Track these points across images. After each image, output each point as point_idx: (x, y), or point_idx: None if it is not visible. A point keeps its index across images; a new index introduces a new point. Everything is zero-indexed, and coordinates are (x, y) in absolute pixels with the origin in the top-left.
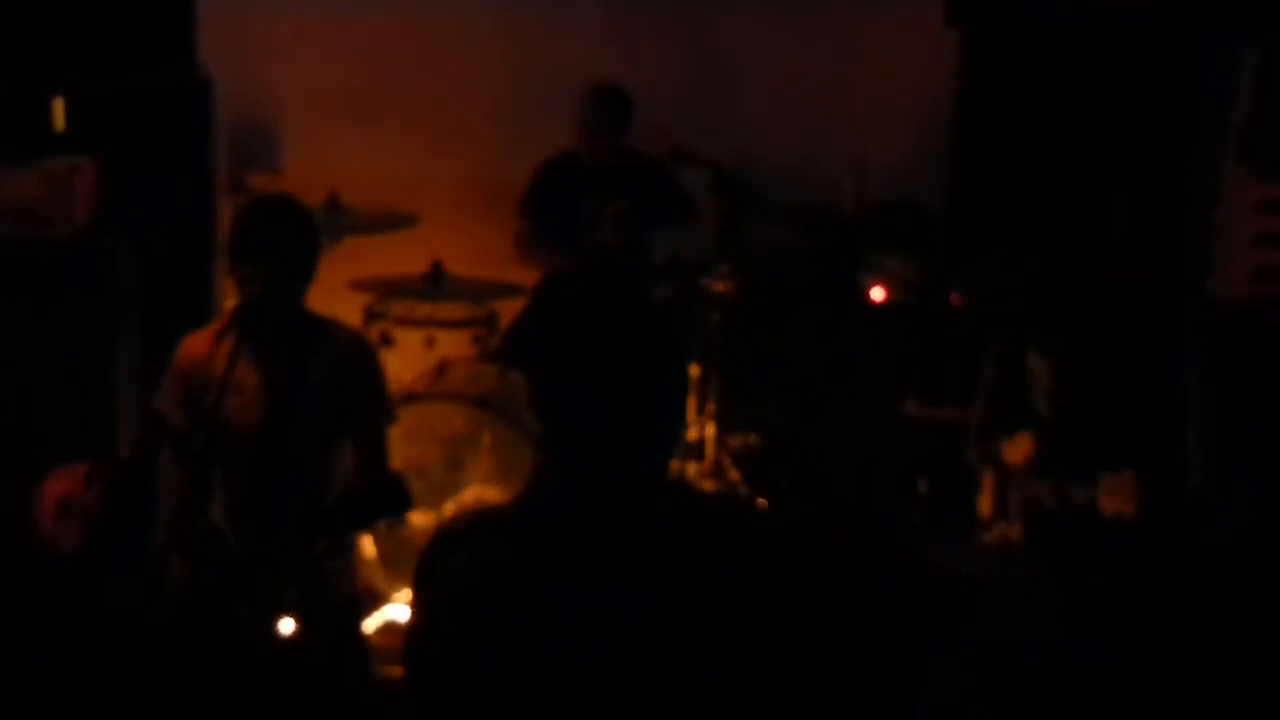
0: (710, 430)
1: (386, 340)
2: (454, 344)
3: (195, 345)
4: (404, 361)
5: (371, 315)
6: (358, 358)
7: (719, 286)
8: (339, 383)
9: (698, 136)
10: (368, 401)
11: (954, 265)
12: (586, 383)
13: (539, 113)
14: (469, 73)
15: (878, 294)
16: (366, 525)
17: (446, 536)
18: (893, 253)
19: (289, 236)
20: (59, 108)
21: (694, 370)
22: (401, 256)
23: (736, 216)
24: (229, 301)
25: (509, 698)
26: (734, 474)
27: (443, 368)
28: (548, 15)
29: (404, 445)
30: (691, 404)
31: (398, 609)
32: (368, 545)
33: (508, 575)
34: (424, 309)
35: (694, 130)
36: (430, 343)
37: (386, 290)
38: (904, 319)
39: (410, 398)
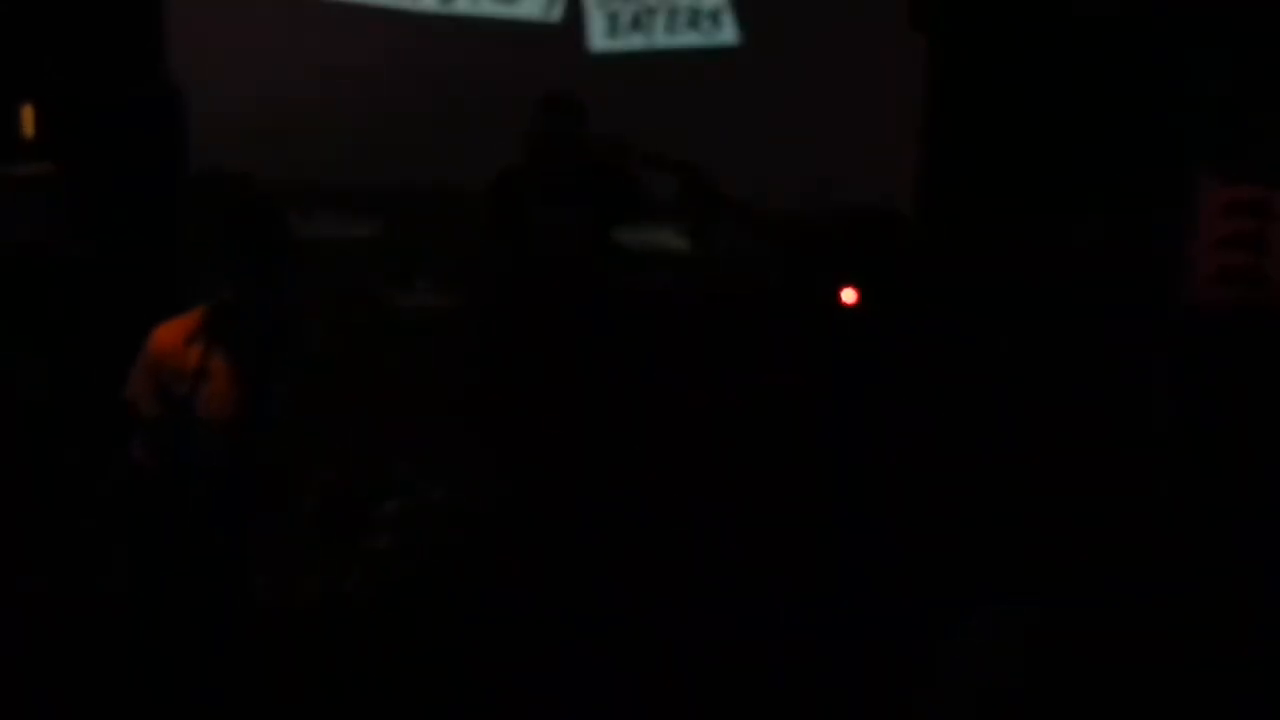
0: None
1: None
2: None
3: (167, 336)
4: None
5: None
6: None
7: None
8: (310, 376)
9: (666, 143)
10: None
11: (923, 268)
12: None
13: (504, 120)
14: (442, 75)
15: (849, 296)
16: None
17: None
18: (863, 258)
19: (261, 236)
20: (28, 115)
21: None
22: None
23: (705, 221)
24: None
25: None
26: None
27: None
28: (506, 24)
29: None
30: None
31: None
32: None
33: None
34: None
35: (662, 137)
36: None
37: None
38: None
39: None
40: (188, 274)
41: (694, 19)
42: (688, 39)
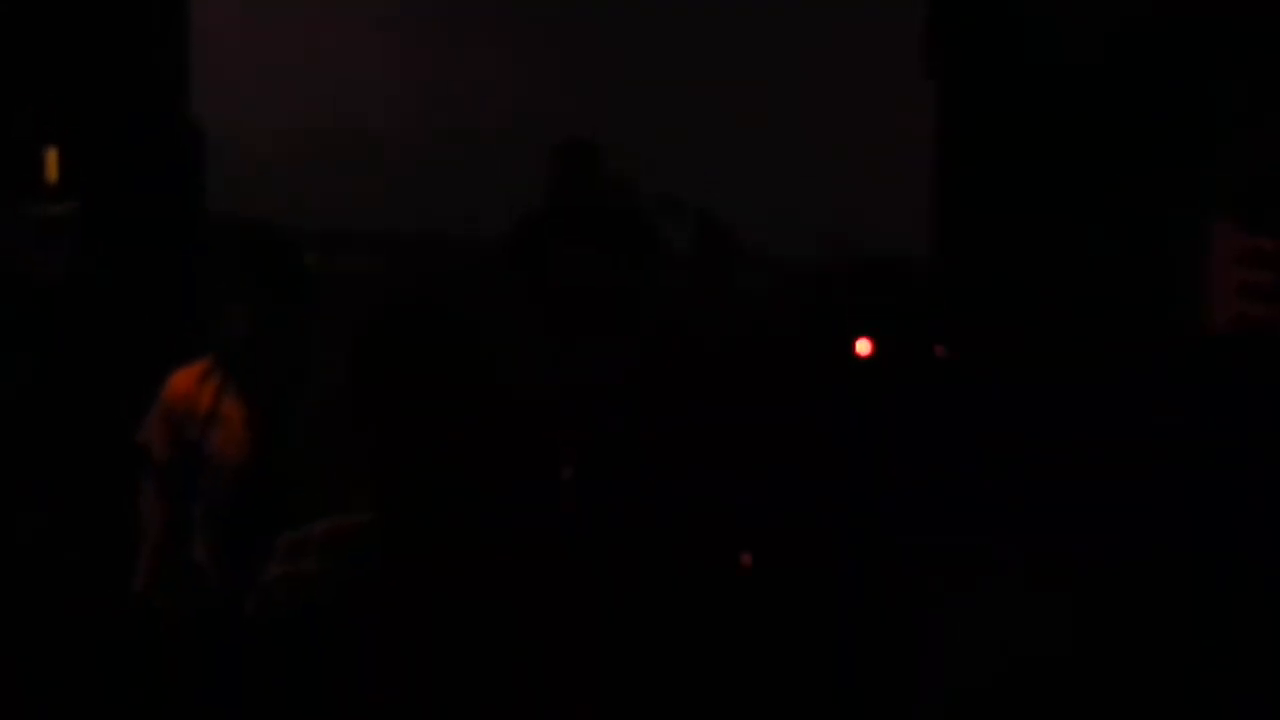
0: None
1: None
2: None
3: (182, 380)
4: None
5: None
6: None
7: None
8: (324, 420)
9: (681, 189)
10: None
11: (939, 316)
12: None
13: (521, 162)
14: (463, 125)
15: (863, 347)
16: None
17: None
18: (877, 306)
19: (280, 277)
20: (52, 158)
21: None
22: None
23: (720, 264)
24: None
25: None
26: None
27: None
28: (527, 68)
29: None
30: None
31: None
32: None
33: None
34: None
35: (678, 183)
36: None
37: None
38: (890, 371)
39: None
40: (207, 316)
41: None
42: None
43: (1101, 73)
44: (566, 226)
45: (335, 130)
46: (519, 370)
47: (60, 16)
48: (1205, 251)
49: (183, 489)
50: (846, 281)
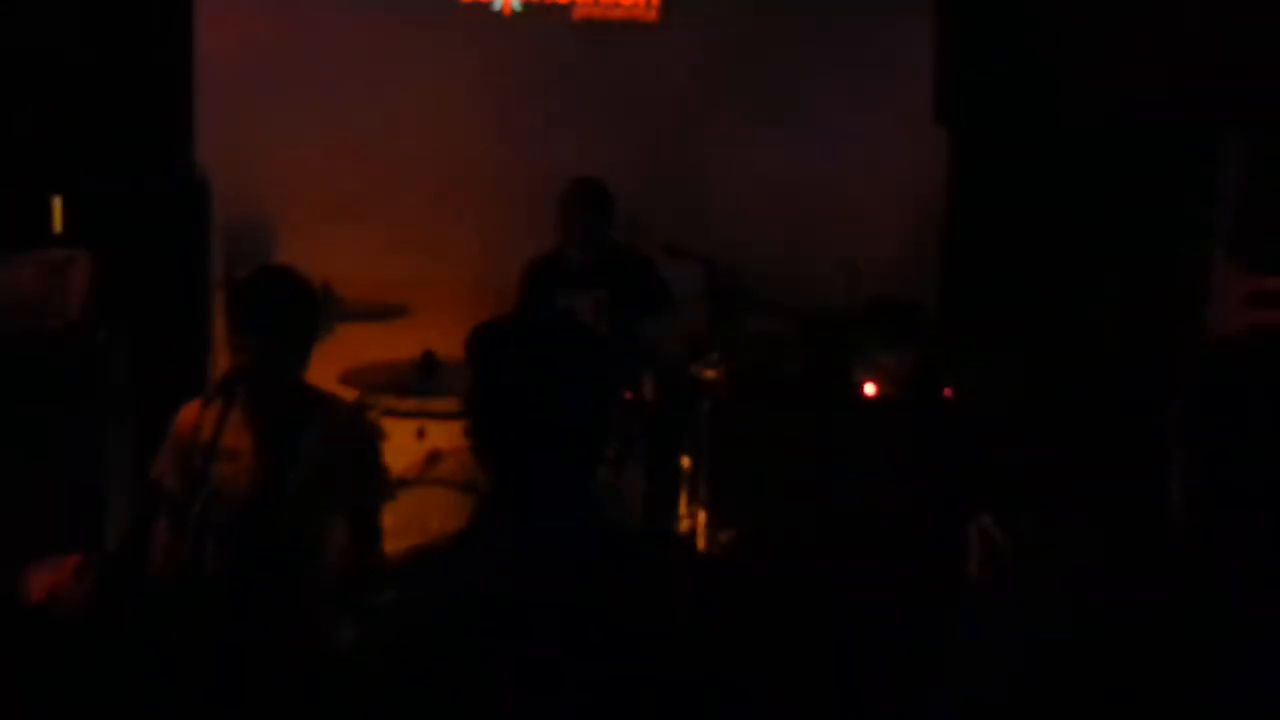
0: (701, 521)
1: (376, 433)
2: (445, 436)
3: (190, 412)
4: (394, 453)
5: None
6: (353, 433)
7: (708, 374)
8: (332, 456)
9: (690, 235)
10: (361, 477)
11: (947, 360)
12: (511, 422)
13: (529, 212)
14: (464, 171)
15: (870, 389)
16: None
17: (379, 576)
18: (885, 348)
19: (288, 309)
20: (58, 209)
21: (685, 462)
22: (392, 350)
23: (729, 312)
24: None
25: None
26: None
27: (433, 457)
28: (539, 116)
29: (393, 538)
30: (683, 496)
31: None
32: None
33: (430, 609)
34: (413, 402)
35: (686, 229)
36: (421, 434)
37: (377, 378)
38: (897, 414)
39: (400, 483)
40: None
41: None
42: None
43: (1103, 121)
44: (572, 270)
45: (347, 181)
46: None
47: (66, 66)
48: (1212, 294)
49: (196, 521)
50: (854, 324)
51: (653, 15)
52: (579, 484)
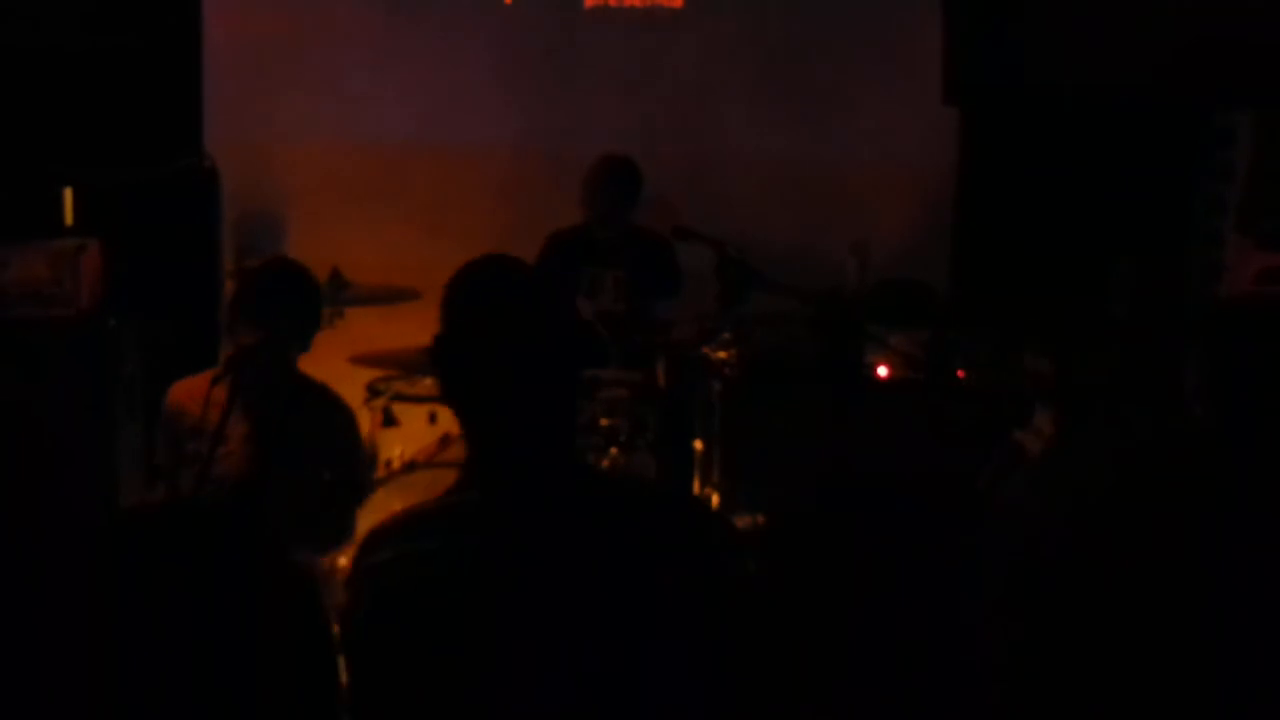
0: (714, 504)
1: (390, 420)
2: (456, 420)
3: (184, 390)
4: (407, 438)
5: (373, 392)
6: (339, 423)
7: (720, 355)
8: (320, 444)
9: (701, 218)
10: (345, 467)
11: (959, 341)
12: (490, 373)
13: (542, 195)
14: (472, 157)
15: (882, 371)
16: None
17: (375, 534)
18: (897, 330)
19: (290, 304)
20: (68, 199)
21: (697, 445)
22: (403, 335)
23: (740, 293)
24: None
25: (433, 686)
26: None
27: (445, 440)
28: (552, 99)
29: None
30: (695, 479)
31: None
32: None
33: (429, 564)
34: (426, 385)
35: (697, 212)
36: (433, 419)
37: (387, 365)
38: (909, 395)
39: (411, 466)
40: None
41: None
42: None
43: (1114, 101)
44: (594, 245)
45: (357, 168)
46: None
47: (74, 57)
48: (1224, 271)
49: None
50: (866, 306)
51: (678, 1)
52: (562, 429)
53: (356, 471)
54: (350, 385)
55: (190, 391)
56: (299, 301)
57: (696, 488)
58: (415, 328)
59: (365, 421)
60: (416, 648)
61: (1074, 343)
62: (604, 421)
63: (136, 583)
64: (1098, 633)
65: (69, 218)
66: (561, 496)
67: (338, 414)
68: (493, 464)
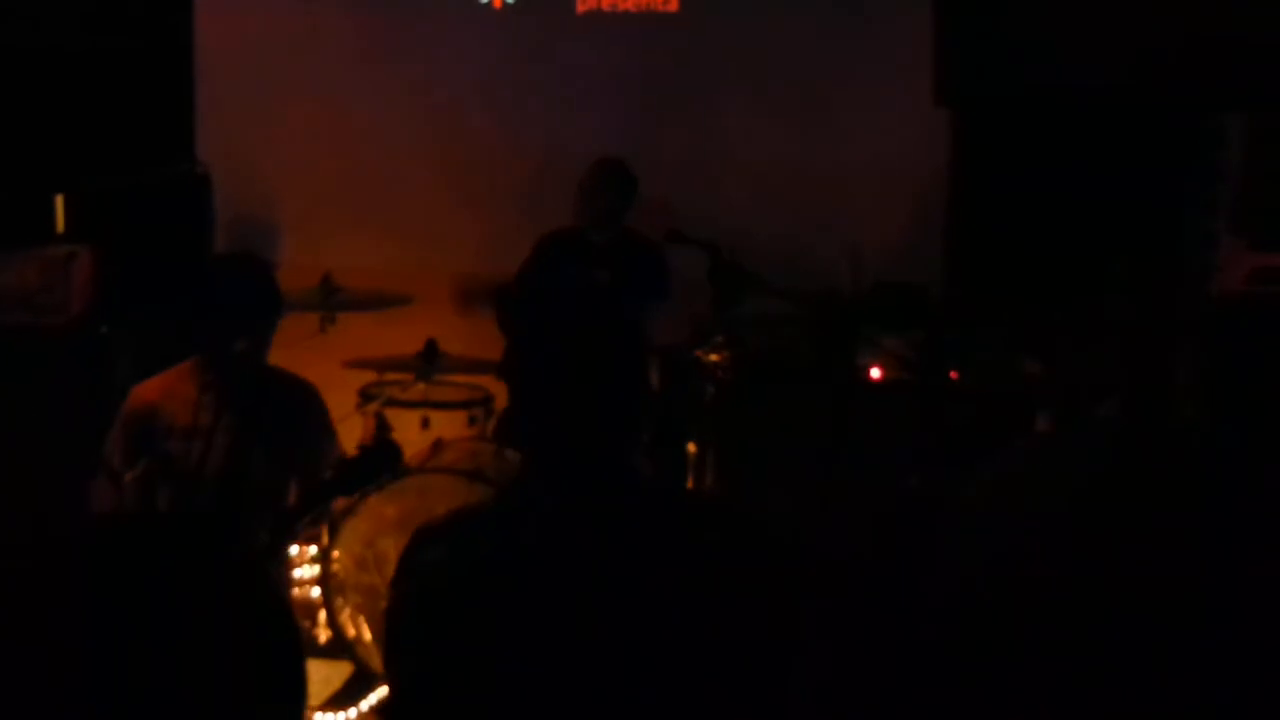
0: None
1: (383, 426)
2: (450, 425)
3: (156, 391)
4: (399, 443)
5: (366, 397)
6: (306, 406)
7: (713, 357)
8: (289, 430)
9: (694, 222)
10: (316, 448)
11: (952, 343)
12: (559, 387)
13: (535, 200)
14: (465, 162)
15: (876, 373)
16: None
17: (425, 533)
18: (890, 332)
19: (261, 303)
20: (60, 206)
21: (690, 448)
22: (395, 341)
23: (733, 296)
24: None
25: (482, 684)
26: None
27: (438, 446)
28: (543, 105)
29: (399, 528)
30: (689, 481)
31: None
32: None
33: (481, 565)
34: (418, 390)
35: (690, 216)
36: (425, 424)
37: (380, 369)
38: (903, 397)
39: (404, 472)
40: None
41: None
42: None
43: (1109, 101)
44: (585, 248)
45: (350, 173)
46: None
47: (65, 63)
48: (1217, 271)
49: (144, 500)
50: (859, 308)
51: (673, 5)
52: (620, 441)
53: (330, 446)
54: (342, 390)
55: (166, 392)
56: (266, 302)
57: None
58: (407, 333)
59: (357, 427)
60: (462, 647)
61: (1063, 343)
62: None
63: (106, 594)
64: (1070, 636)
65: (60, 224)
66: (614, 505)
67: (301, 396)
68: (550, 469)
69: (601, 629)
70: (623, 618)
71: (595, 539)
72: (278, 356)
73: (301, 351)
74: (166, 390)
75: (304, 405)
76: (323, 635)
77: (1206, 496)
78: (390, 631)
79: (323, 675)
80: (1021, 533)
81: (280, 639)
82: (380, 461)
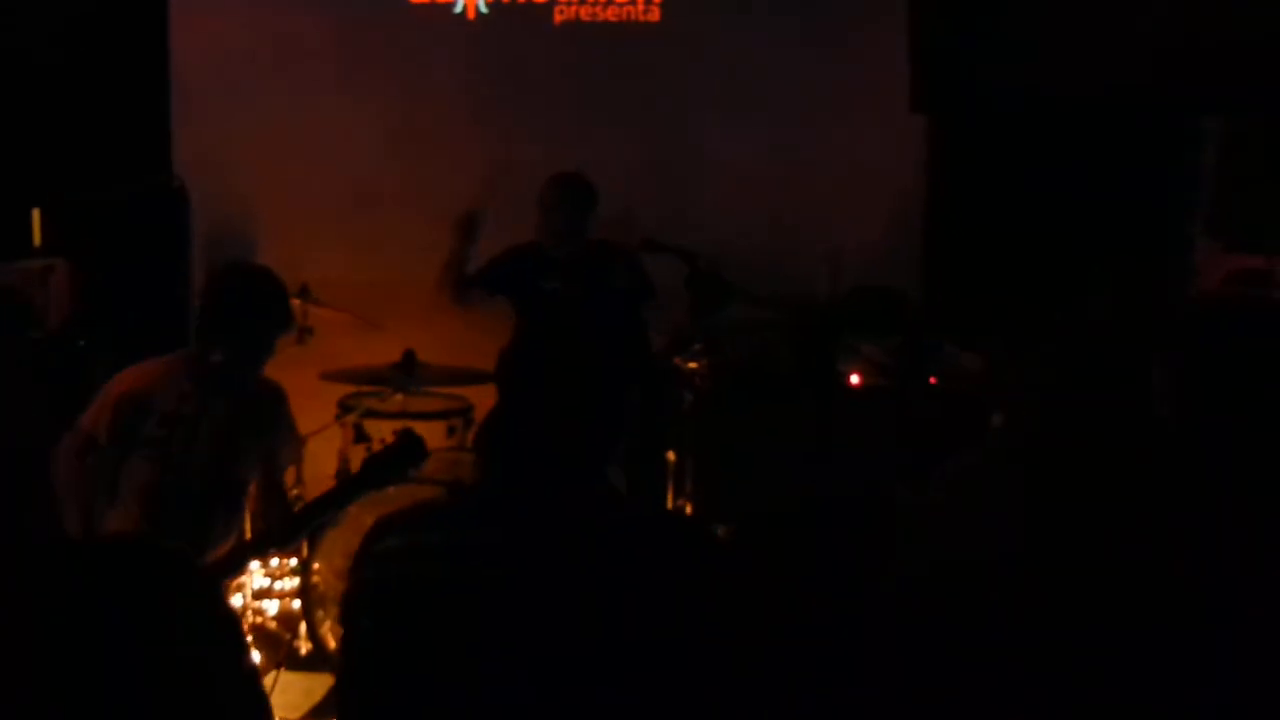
0: (687, 515)
1: (361, 436)
2: (428, 436)
3: (150, 376)
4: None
5: (344, 408)
6: (276, 404)
7: (691, 365)
8: (261, 426)
9: (672, 229)
10: (280, 440)
11: (931, 348)
12: (526, 397)
13: (512, 211)
14: (442, 174)
15: (855, 379)
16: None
17: (384, 522)
18: (869, 338)
19: (260, 312)
20: (36, 219)
21: (670, 456)
22: (374, 352)
23: (712, 304)
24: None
25: (431, 671)
26: None
27: None
28: (520, 117)
29: None
30: (669, 490)
31: None
32: None
33: (435, 555)
34: (397, 401)
35: (668, 223)
36: None
37: (358, 380)
38: (883, 403)
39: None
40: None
41: None
42: None
43: (1084, 105)
44: (555, 261)
45: (326, 186)
46: None
47: (40, 77)
48: (1195, 274)
49: (112, 479)
50: (838, 314)
51: (654, 15)
52: (588, 450)
53: (295, 439)
54: (321, 401)
55: (160, 380)
56: (262, 313)
57: (669, 499)
58: (385, 344)
59: (336, 438)
60: (411, 637)
61: (1016, 344)
62: None
63: (70, 612)
64: (1024, 639)
65: (37, 238)
66: (571, 510)
67: (274, 394)
68: (516, 469)
69: (549, 622)
70: (571, 611)
71: (548, 536)
72: None
73: (280, 363)
74: (158, 376)
75: (274, 403)
76: (304, 647)
77: (1175, 497)
78: (345, 617)
79: (304, 687)
80: (970, 537)
81: (231, 659)
82: (406, 454)
